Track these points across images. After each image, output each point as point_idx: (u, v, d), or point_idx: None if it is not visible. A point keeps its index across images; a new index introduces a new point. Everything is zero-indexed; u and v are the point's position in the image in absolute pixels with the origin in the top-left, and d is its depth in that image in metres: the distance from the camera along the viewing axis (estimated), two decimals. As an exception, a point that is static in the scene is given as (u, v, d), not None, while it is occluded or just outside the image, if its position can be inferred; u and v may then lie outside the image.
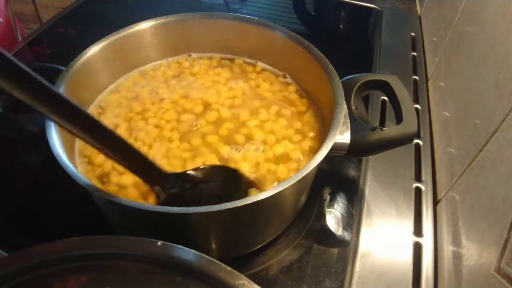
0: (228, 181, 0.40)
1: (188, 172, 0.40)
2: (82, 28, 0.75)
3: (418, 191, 0.52)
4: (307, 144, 0.45)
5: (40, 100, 0.27)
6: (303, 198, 0.45)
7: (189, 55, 0.55)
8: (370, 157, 0.55)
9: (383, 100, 0.64)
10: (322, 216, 0.48)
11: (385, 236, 0.47)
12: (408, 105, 0.43)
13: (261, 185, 0.41)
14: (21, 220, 0.46)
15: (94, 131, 0.31)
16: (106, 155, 0.33)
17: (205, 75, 0.53)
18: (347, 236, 0.46)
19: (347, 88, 0.43)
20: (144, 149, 0.43)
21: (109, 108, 0.48)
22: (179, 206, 0.32)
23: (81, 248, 0.28)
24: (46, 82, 0.27)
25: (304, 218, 0.47)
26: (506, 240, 0.32)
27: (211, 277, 0.26)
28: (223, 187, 0.40)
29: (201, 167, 0.41)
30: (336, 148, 0.39)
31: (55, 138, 0.37)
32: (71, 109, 0.29)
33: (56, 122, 0.29)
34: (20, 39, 0.81)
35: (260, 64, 0.55)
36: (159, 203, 0.37)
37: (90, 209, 0.42)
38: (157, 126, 0.46)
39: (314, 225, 0.47)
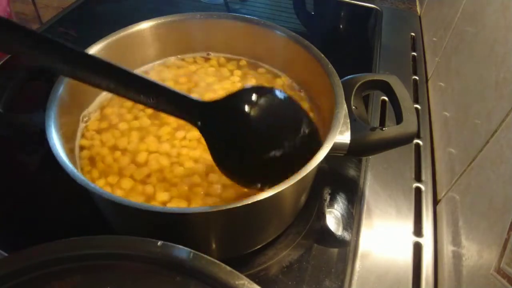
0: (287, 115, 0.36)
1: (230, 97, 0.35)
2: (82, 28, 0.75)
3: (418, 191, 0.52)
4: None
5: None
6: (303, 198, 0.45)
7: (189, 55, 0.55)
8: (370, 157, 0.55)
9: (383, 100, 0.64)
10: (322, 216, 0.48)
11: (385, 236, 0.47)
12: (408, 105, 0.43)
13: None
14: (21, 220, 0.46)
15: (108, 75, 0.32)
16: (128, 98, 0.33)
17: (206, 75, 0.53)
18: (347, 236, 0.46)
19: (347, 88, 0.43)
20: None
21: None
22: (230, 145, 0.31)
23: (81, 248, 0.28)
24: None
25: (304, 218, 0.47)
26: (506, 240, 0.32)
27: (211, 277, 0.26)
28: (283, 122, 0.36)
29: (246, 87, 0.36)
30: (336, 148, 0.39)
31: (55, 138, 0.37)
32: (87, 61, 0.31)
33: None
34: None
35: (261, 64, 0.55)
36: (207, 141, 0.36)
37: (90, 209, 0.42)
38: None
39: (314, 225, 0.47)
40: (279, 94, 0.36)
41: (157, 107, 0.34)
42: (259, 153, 0.34)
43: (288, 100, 0.36)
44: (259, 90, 0.35)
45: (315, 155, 0.36)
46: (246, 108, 0.34)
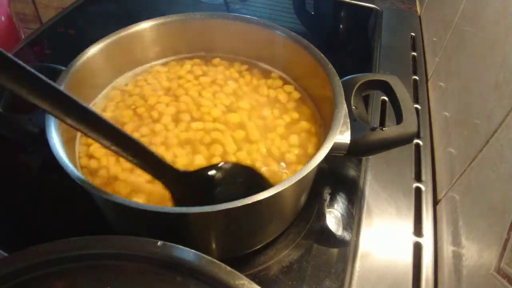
0: (249, 183, 0.39)
1: (203, 170, 0.39)
2: (82, 28, 0.75)
3: (418, 191, 0.52)
4: (307, 144, 0.45)
5: (40, 97, 0.28)
6: (303, 198, 0.45)
7: (189, 55, 0.55)
8: (370, 157, 0.55)
9: (383, 100, 0.64)
10: (322, 216, 0.48)
11: (385, 236, 0.47)
12: (408, 105, 0.43)
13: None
14: (21, 220, 0.46)
15: (95, 126, 0.31)
16: (111, 150, 0.32)
17: (205, 75, 0.53)
18: (347, 236, 0.46)
19: (347, 88, 0.43)
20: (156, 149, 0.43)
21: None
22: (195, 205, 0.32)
23: (81, 248, 0.28)
24: (44, 78, 0.27)
25: (304, 218, 0.47)
26: (506, 240, 0.32)
27: (211, 277, 0.26)
28: (242, 188, 0.39)
29: (219, 164, 0.39)
30: (336, 148, 0.39)
31: (55, 138, 0.37)
32: (72, 105, 0.29)
33: (58, 118, 0.29)
34: (23, 37, 0.81)
35: (261, 64, 0.55)
36: (175, 202, 0.37)
37: (90, 209, 0.42)
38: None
39: (314, 225, 0.47)
40: (245, 170, 0.40)
41: (127, 158, 0.34)
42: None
43: (252, 175, 0.40)
44: (228, 168, 0.39)
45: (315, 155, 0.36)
46: (213, 183, 0.38)
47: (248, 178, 0.40)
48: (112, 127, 0.31)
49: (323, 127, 0.46)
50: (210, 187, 0.38)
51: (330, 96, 0.42)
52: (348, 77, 0.46)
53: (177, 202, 0.37)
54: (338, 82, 0.43)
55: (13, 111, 0.41)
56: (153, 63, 0.54)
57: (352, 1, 0.88)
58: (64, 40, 0.72)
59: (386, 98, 0.54)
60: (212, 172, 0.39)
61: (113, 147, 0.32)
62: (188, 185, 0.38)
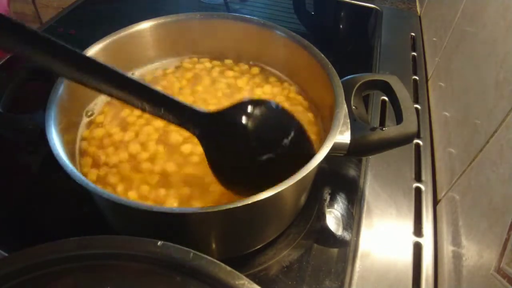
0: (281, 124, 0.37)
1: (229, 109, 0.36)
2: (82, 28, 0.75)
3: (418, 191, 0.52)
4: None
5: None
6: (303, 198, 0.45)
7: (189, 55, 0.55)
8: (370, 157, 0.55)
9: (383, 100, 0.64)
10: (322, 216, 0.48)
11: (385, 236, 0.47)
12: (408, 105, 0.43)
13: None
14: (21, 220, 0.46)
15: (111, 80, 0.32)
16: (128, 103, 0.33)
17: (206, 75, 0.53)
18: (347, 236, 0.46)
19: (347, 88, 0.43)
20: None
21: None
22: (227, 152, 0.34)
23: (81, 248, 0.28)
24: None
25: (304, 218, 0.47)
26: (506, 240, 0.32)
27: (211, 277, 0.26)
28: (276, 130, 0.37)
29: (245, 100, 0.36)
30: (336, 148, 0.39)
31: (55, 138, 0.37)
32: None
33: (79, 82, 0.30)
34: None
35: (261, 64, 0.55)
36: (204, 149, 0.36)
37: (90, 209, 0.42)
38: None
39: (314, 225, 0.47)
40: (274, 105, 0.38)
41: (157, 114, 0.34)
42: (253, 160, 0.35)
43: (282, 110, 0.38)
44: (255, 102, 0.37)
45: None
46: (243, 119, 0.35)
47: (279, 118, 0.38)
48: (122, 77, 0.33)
49: (323, 127, 0.46)
50: (242, 131, 0.35)
51: (330, 96, 0.42)
52: (348, 77, 0.46)
53: (210, 156, 0.36)
54: (338, 82, 0.43)
55: (13, 111, 0.41)
56: (153, 63, 0.54)
57: (352, 1, 0.88)
58: (64, 40, 0.72)
59: (386, 98, 0.54)
60: (242, 114, 0.35)
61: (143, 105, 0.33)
62: (218, 130, 0.36)
